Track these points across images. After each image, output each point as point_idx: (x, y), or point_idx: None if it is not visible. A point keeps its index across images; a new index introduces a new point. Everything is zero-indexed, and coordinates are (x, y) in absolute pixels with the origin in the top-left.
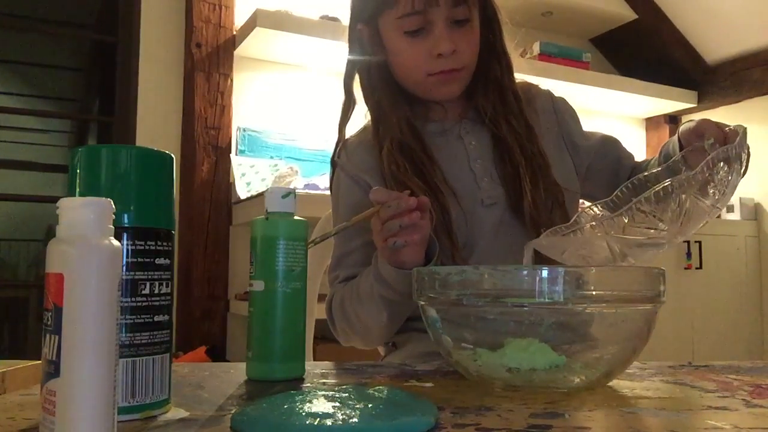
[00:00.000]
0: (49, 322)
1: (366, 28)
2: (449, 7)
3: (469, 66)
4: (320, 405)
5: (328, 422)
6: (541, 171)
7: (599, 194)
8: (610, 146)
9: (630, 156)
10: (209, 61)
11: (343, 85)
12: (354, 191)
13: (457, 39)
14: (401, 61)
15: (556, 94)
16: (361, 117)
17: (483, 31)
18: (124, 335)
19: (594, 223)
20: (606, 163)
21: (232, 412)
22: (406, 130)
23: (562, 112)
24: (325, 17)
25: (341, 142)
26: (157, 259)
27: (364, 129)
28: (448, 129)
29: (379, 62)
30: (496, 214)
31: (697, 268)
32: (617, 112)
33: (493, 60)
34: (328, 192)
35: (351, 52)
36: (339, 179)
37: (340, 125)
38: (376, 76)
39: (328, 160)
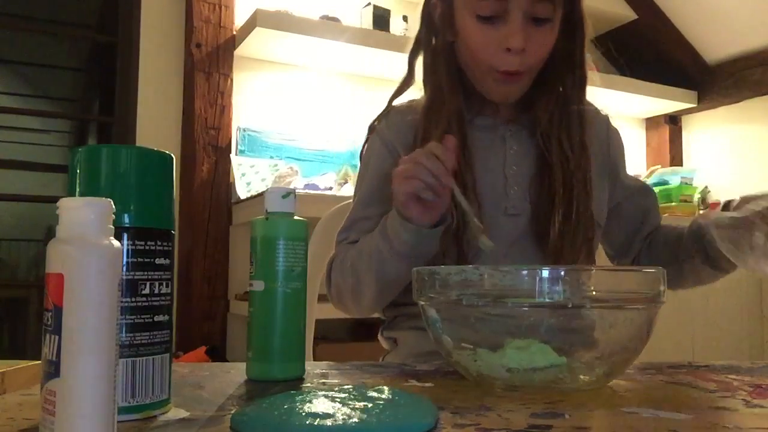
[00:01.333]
0: (49, 322)
1: (440, 4)
2: (532, 1)
3: (532, 70)
4: (320, 405)
5: (328, 422)
6: (579, 203)
7: (612, 237)
8: (646, 195)
9: (658, 216)
10: (209, 61)
11: (408, 59)
12: (385, 160)
13: (531, 37)
14: (468, 46)
15: None
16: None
17: (562, 38)
18: (124, 335)
19: None
20: (635, 209)
21: (232, 412)
22: (455, 127)
23: (614, 142)
24: (325, 17)
25: (383, 113)
26: (157, 259)
27: (410, 106)
28: (495, 127)
29: (446, 43)
30: (516, 227)
31: None
32: (617, 112)
33: (566, 71)
34: (328, 192)
35: (420, 27)
36: (373, 145)
37: (391, 99)
38: (441, 57)
39: (328, 160)
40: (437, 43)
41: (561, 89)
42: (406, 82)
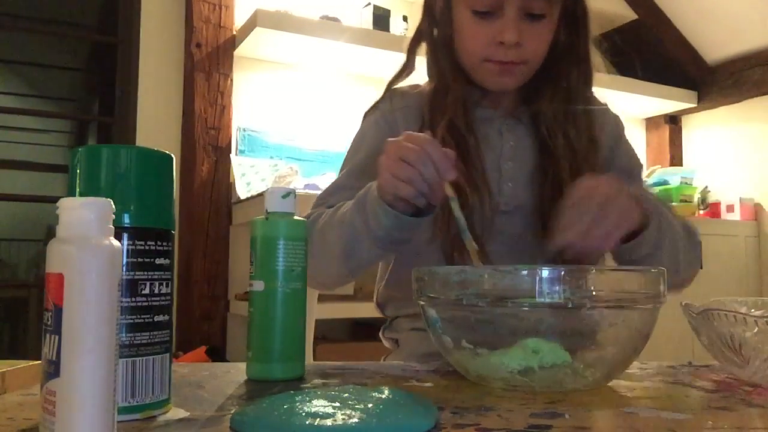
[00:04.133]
0: (49, 322)
1: None
2: None
3: (531, 62)
4: (320, 405)
5: (328, 422)
6: None
7: None
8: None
9: None
10: (209, 61)
11: (408, 47)
12: (385, 137)
13: (526, 32)
14: (463, 40)
15: None
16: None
17: (566, 32)
18: (124, 335)
19: None
20: None
21: (232, 412)
22: (460, 113)
23: (619, 140)
24: (325, 17)
25: (385, 95)
26: (157, 259)
27: (413, 91)
28: (493, 119)
29: (446, 35)
30: (512, 224)
31: None
32: (617, 112)
33: (571, 65)
34: None
35: (422, 17)
36: (376, 122)
37: (389, 84)
38: (442, 49)
39: (328, 160)
40: (438, 35)
41: (566, 84)
42: (405, 70)
